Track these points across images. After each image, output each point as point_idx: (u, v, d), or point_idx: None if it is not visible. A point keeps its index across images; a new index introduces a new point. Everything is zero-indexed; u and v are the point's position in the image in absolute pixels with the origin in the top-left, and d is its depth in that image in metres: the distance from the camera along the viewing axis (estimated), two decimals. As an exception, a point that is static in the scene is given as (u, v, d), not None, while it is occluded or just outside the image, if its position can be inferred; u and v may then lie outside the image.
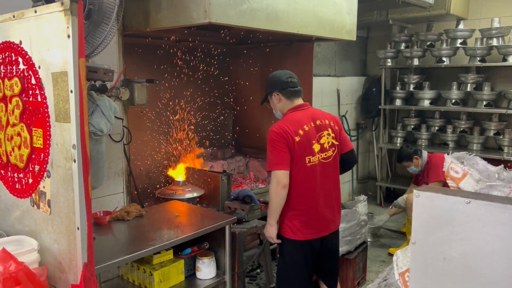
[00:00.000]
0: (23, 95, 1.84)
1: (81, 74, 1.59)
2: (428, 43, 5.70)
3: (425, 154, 4.40)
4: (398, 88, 6.03)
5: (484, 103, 5.33)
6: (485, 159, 1.45)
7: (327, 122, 2.64)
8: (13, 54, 1.87)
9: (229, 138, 4.64)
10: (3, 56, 1.92)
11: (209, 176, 3.53)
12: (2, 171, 2.06)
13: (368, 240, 4.34)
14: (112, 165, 2.82)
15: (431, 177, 4.21)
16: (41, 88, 1.74)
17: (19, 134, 1.89)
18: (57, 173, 1.73)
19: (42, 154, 1.79)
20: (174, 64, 3.87)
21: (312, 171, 2.54)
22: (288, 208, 2.57)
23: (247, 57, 4.41)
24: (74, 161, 1.63)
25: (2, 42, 1.92)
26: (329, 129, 2.63)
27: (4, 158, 2.02)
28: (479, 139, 5.46)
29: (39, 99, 1.76)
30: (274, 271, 3.86)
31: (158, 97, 3.76)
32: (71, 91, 1.60)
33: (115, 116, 2.41)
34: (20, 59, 1.83)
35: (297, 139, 2.50)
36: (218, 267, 2.59)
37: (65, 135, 1.66)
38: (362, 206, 3.64)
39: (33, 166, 1.85)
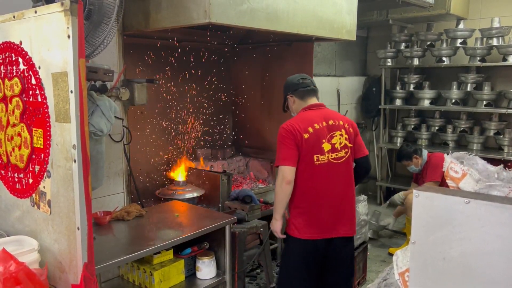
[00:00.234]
0: (23, 95, 1.84)
1: (81, 74, 1.59)
2: (428, 43, 5.70)
3: (425, 153, 4.40)
4: (398, 88, 6.03)
5: (484, 103, 5.33)
6: (485, 159, 1.45)
7: (341, 123, 2.64)
8: (13, 55, 1.87)
9: (229, 138, 4.64)
10: (3, 57, 1.92)
11: (209, 176, 3.53)
12: (3, 171, 2.06)
13: (369, 237, 4.34)
14: (112, 165, 2.82)
15: (428, 176, 4.22)
16: (41, 88, 1.74)
17: (19, 134, 1.89)
18: (57, 173, 1.73)
19: (42, 154, 1.79)
20: (174, 64, 3.87)
21: (320, 170, 2.53)
22: (292, 206, 2.58)
23: (247, 57, 4.41)
24: (74, 161, 1.63)
25: (2, 42, 1.92)
26: (343, 130, 2.62)
27: (5, 158, 2.02)
28: (479, 139, 5.47)
29: (39, 99, 1.76)
30: (274, 271, 3.87)
31: (158, 97, 3.77)
32: (71, 91, 1.60)
33: (115, 116, 2.41)
34: (20, 60, 1.83)
35: (305, 136, 2.50)
36: (218, 267, 2.59)
37: (65, 135, 1.66)
38: (362, 206, 3.64)
39: (33, 166, 1.85)
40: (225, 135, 4.56)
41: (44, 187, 1.81)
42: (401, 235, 4.98)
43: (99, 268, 1.86)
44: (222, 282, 2.58)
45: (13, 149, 1.94)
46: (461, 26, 5.43)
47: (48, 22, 1.67)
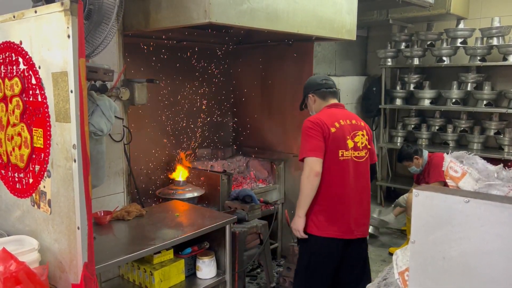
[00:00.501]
0: (24, 95, 1.84)
1: (81, 74, 1.60)
2: (428, 42, 5.70)
3: (425, 153, 4.40)
4: (398, 88, 6.03)
5: (485, 102, 5.33)
6: (485, 158, 1.45)
7: (362, 124, 2.68)
8: (13, 54, 1.87)
9: (230, 137, 4.64)
10: (4, 56, 1.93)
11: (209, 176, 3.53)
12: (3, 171, 2.07)
13: (370, 233, 4.35)
14: (112, 165, 2.82)
15: (432, 177, 4.22)
16: (41, 88, 1.75)
17: (19, 134, 1.89)
18: (57, 173, 1.73)
19: (43, 154, 1.79)
20: (174, 64, 3.88)
21: (344, 165, 2.53)
22: (314, 202, 2.53)
23: (247, 56, 4.41)
24: (75, 161, 1.63)
25: (3, 42, 1.93)
26: (364, 131, 2.66)
27: (5, 158, 2.03)
28: (480, 139, 5.47)
29: (40, 99, 1.76)
30: (274, 270, 3.87)
31: (158, 97, 3.77)
32: (71, 91, 1.60)
33: (115, 116, 2.41)
34: (20, 59, 1.83)
35: (332, 130, 2.51)
36: (218, 266, 2.59)
37: (65, 135, 1.66)
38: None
39: (33, 166, 1.85)
40: (225, 135, 4.56)
41: (44, 186, 1.81)
42: (401, 234, 4.98)
43: (99, 268, 1.86)
44: (222, 281, 2.59)
45: (13, 149, 1.95)
46: (461, 25, 5.43)
47: (48, 22, 1.67)
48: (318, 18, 3.10)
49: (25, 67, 1.81)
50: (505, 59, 5.09)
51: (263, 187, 4.04)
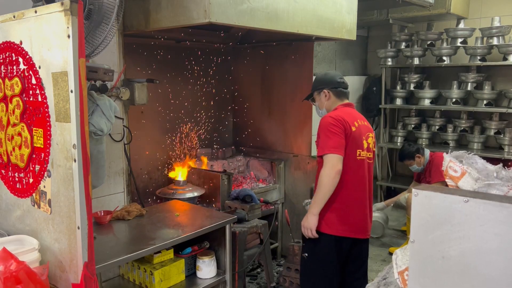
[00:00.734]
0: (24, 95, 1.84)
1: (81, 74, 1.60)
2: (429, 42, 5.70)
3: (427, 152, 4.40)
4: (398, 88, 6.03)
5: (485, 102, 5.33)
6: (485, 158, 1.45)
7: (370, 127, 2.71)
8: (13, 54, 1.87)
9: (230, 137, 4.65)
10: (4, 56, 1.93)
11: (209, 176, 3.53)
12: (3, 171, 2.07)
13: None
14: (112, 164, 2.82)
15: (434, 177, 4.22)
16: (41, 88, 1.75)
17: (19, 134, 1.90)
18: (57, 173, 1.73)
19: (43, 154, 1.79)
20: (174, 64, 3.88)
21: (360, 165, 2.54)
22: (328, 200, 2.49)
23: (247, 56, 4.42)
24: (75, 160, 1.63)
25: (3, 42, 1.93)
26: (373, 133, 2.70)
27: (5, 158, 2.03)
28: (480, 138, 5.47)
29: (40, 99, 1.76)
30: (274, 270, 3.87)
31: (159, 97, 3.77)
32: (71, 91, 1.60)
33: (115, 116, 2.41)
34: (20, 59, 1.84)
35: (353, 129, 2.52)
36: (218, 266, 2.59)
37: (65, 135, 1.67)
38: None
39: (33, 165, 1.86)
40: (225, 135, 4.56)
41: (44, 186, 1.82)
42: (401, 234, 4.98)
43: (99, 268, 1.87)
44: (223, 281, 2.59)
45: (13, 149, 1.95)
46: (461, 25, 5.43)
47: (48, 22, 1.68)
48: (318, 18, 3.10)
49: (25, 67, 1.81)
50: (505, 58, 5.09)
51: (263, 187, 4.04)
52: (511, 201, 0.96)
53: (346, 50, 6.11)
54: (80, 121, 1.61)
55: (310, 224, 2.51)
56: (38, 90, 1.77)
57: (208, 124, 4.30)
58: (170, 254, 2.46)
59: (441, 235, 1.05)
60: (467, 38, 5.45)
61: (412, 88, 5.92)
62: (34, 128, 1.82)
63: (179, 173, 3.59)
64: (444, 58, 5.50)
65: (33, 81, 1.78)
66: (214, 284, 2.55)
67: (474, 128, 5.53)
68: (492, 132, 5.37)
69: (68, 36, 1.57)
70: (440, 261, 1.05)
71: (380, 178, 6.29)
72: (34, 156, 1.85)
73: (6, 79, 1.92)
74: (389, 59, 5.99)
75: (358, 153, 2.54)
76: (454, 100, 5.55)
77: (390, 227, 5.13)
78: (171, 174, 3.68)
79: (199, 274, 2.54)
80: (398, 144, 5.95)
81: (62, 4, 1.58)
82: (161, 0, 2.65)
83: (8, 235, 2.00)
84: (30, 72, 1.79)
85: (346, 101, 2.74)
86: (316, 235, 2.52)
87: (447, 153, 1.39)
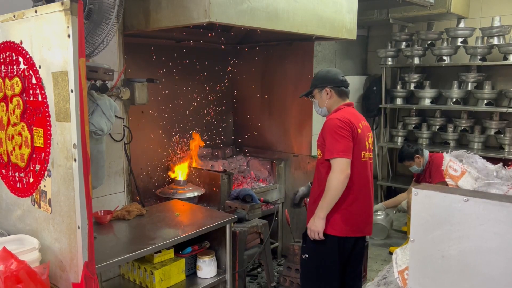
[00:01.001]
0: (24, 95, 1.85)
1: (81, 73, 1.60)
2: (429, 42, 5.70)
3: (426, 153, 4.40)
4: (398, 87, 6.03)
5: (485, 102, 5.33)
6: (486, 158, 1.45)
7: (369, 126, 2.72)
8: (13, 54, 1.87)
9: (230, 137, 4.65)
10: (4, 56, 1.93)
11: (209, 176, 3.54)
12: (3, 171, 2.07)
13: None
14: (112, 164, 2.82)
15: (434, 178, 4.21)
16: (41, 87, 1.75)
17: (20, 134, 1.90)
18: (57, 172, 1.74)
19: (43, 154, 1.79)
20: (174, 64, 3.88)
21: (364, 166, 2.56)
22: None
23: (247, 56, 4.42)
24: (75, 160, 1.63)
25: (3, 42, 1.93)
26: (371, 134, 2.72)
27: (5, 158, 2.03)
28: (480, 138, 5.46)
29: (40, 99, 1.76)
30: (274, 270, 3.87)
31: (159, 97, 3.77)
32: (72, 91, 1.60)
33: (115, 116, 2.41)
34: (20, 59, 1.84)
35: (359, 131, 2.53)
36: (218, 266, 2.59)
37: (65, 135, 1.67)
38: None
39: (34, 165, 1.86)
40: (225, 134, 4.56)
41: (44, 186, 1.82)
42: (402, 234, 4.98)
43: (99, 267, 1.87)
44: (223, 281, 2.59)
45: (13, 148, 1.95)
46: (461, 25, 5.42)
47: (48, 22, 1.68)
48: (318, 18, 3.10)
49: (25, 66, 1.82)
50: (505, 58, 5.09)
51: (264, 186, 4.04)
52: (511, 200, 0.96)
53: (347, 50, 6.11)
54: (80, 120, 1.61)
55: (318, 228, 2.50)
56: (38, 89, 1.77)
57: (208, 124, 4.30)
58: (171, 253, 2.46)
59: (441, 235, 1.05)
60: (468, 38, 5.45)
61: (412, 87, 5.91)
62: (34, 128, 1.82)
63: (179, 173, 3.59)
64: (445, 57, 5.50)
65: (33, 81, 1.78)
66: (214, 284, 2.55)
67: (474, 128, 5.53)
68: (492, 132, 5.37)
69: (68, 36, 1.58)
70: (440, 261, 1.05)
71: (380, 178, 6.29)
72: (34, 155, 1.85)
73: (7, 79, 1.92)
74: (389, 59, 5.99)
75: (362, 155, 2.55)
76: (454, 99, 5.55)
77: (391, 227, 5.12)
78: (171, 174, 3.69)
79: (200, 273, 2.54)
80: (399, 144, 5.95)
81: (62, 3, 1.58)
82: (161, 0, 2.65)
83: (9, 235, 2.00)
84: (30, 72, 1.79)
85: (347, 101, 2.73)
86: (323, 238, 2.53)
87: (447, 152, 1.39)
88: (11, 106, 1.92)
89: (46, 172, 1.80)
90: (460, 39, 5.45)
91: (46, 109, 1.74)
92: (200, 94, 4.18)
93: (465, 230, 1.01)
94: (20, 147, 1.91)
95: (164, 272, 2.38)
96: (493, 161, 1.43)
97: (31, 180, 1.89)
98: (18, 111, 1.88)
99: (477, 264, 1.00)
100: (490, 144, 5.60)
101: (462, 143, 5.75)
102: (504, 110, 5.14)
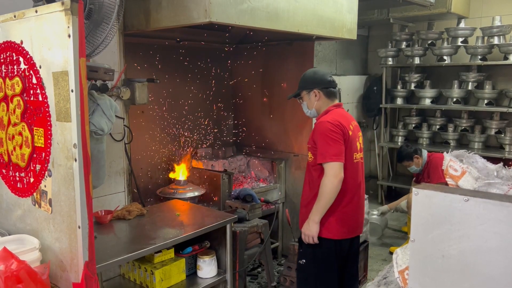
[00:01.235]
0: (24, 95, 1.85)
1: (81, 73, 1.60)
2: (429, 41, 5.70)
3: (425, 153, 4.41)
4: (399, 87, 6.03)
5: (485, 101, 5.32)
6: (486, 158, 1.45)
7: (358, 126, 2.70)
8: (14, 54, 1.87)
9: (230, 137, 4.65)
10: (4, 56, 1.93)
11: (210, 175, 3.54)
12: (4, 170, 2.07)
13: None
14: (113, 164, 2.82)
15: (433, 178, 4.21)
16: (42, 87, 1.75)
17: (20, 134, 1.90)
18: (58, 172, 1.74)
19: (43, 153, 1.79)
20: (174, 64, 3.88)
21: (356, 168, 2.56)
22: None
23: (247, 56, 4.42)
24: (75, 160, 1.63)
25: (3, 42, 1.93)
26: (361, 133, 2.71)
27: (6, 158, 2.03)
28: (480, 138, 5.46)
29: (40, 99, 1.76)
30: (275, 270, 3.87)
31: (159, 97, 3.77)
32: (72, 91, 1.60)
33: (116, 116, 2.42)
34: (21, 59, 1.84)
35: (350, 133, 2.52)
36: (219, 265, 2.59)
37: (66, 134, 1.67)
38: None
39: (34, 165, 1.86)
40: (226, 134, 4.56)
41: (45, 186, 1.82)
42: (402, 234, 4.98)
43: (100, 267, 1.87)
44: (223, 281, 2.59)
45: (14, 148, 1.95)
46: (462, 25, 5.42)
47: (48, 22, 1.68)
48: (319, 17, 3.10)
49: (25, 66, 1.82)
50: (506, 58, 5.09)
51: (264, 186, 4.04)
52: (511, 200, 0.96)
53: (347, 50, 6.11)
54: (80, 120, 1.61)
55: (312, 232, 2.50)
56: (38, 89, 1.77)
57: (209, 124, 4.30)
58: (171, 253, 2.46)
59: (441, 234, 1.05)
60: (468, 38, 5.45)
61: (412, 87, 5.91)
62: (34, 128, 1.83)
63: (180, 173, 3.59)
64: (445, 57, 5.50)
65: (34, 81, 1.78)
66: (214, 284, 2.55)
67: (474, 127, 5.53)
68: (492, 132, 5.37)
69: (69, 36, 1.58)
70: (440, 260, 1.06)
71: (380, 178, 6.29)
72: (34, 155, 1.85)
73: (7, 79, 1.92)
74: (390, 59, 5.99)
75: (354, 156, 2.55)
76: (454, 99, 5.54)
77: (391, 227, 5.13)
78: (172, 174, 3.69)
79: (200, 273, 2.54)
80: (399, 143, 5.95)
81: (62, 3, 1.59)
82: (162, 0, 2.65)
83: (9, 235, 2.00)
84: (31, 72, 1.79)
85: (336, 101, 2.69)
86: (317, 242, 2.53)
87: (447, 152, 1.39)
88: (11, 106, 1.92)
89: (46, 172, 1.80)
90: (460, 39, 5.45)
91: (47, 109, 1.74)
92: (201, 93, 4.18)
93: (466, 229, 1.01)
94: (20, 147, 1.91)
95: (165, 272, 2.38)
96: (494, 161, 1.43)
97: (32, 180, 1.89)
98: (18, 111, 1.88)
99: (477, 264, 1.00)
100: (490, 144, 5.60)
101: (463, 143, 5.75)
102: (504, 110, 5.14)
